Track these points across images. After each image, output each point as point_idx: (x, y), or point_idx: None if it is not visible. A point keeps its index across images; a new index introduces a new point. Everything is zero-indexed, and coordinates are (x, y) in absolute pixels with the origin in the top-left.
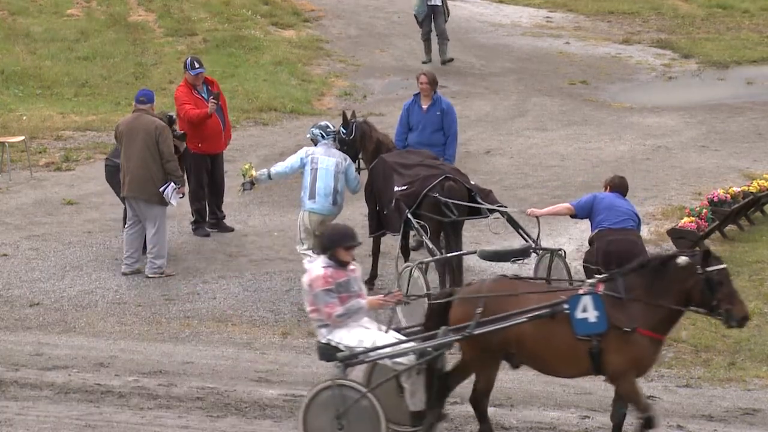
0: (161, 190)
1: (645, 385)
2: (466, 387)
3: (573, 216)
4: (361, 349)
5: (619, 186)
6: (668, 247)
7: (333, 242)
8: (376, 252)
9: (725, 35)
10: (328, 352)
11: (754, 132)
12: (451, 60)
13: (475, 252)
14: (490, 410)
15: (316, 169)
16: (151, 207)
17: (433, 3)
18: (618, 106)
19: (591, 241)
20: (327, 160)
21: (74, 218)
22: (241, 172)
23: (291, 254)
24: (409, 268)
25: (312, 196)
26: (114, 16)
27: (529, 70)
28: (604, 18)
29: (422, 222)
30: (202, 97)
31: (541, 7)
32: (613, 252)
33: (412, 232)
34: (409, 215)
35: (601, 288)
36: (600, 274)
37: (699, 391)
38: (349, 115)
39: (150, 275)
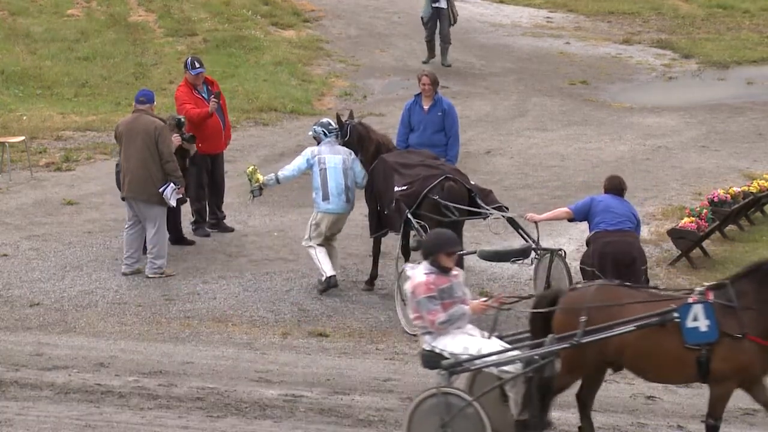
0: (161, 190)
1: (645, 385)
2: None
3: (571, 220)
4: (466, 356)
5: (614, 187)
6: (668, 247)
7: (435, 247)
8: (376, 252)
9: (725, 35)
10: (432, 359)
11: (754, 132)
12: (449, 65)
13: (475, 252)
14: None
15: (325, 168)
16: (151, 207)
17: (437, 6)
18: (618, 106)
19: (588, 243)
20: (333, 158)
21: (74, 218)
22: (247, 176)
23: (291, 254)
24: (409, 268)
25: (326, 197)
26: (114, 17)
27: (530, 70)
28: (604, 18)
29: (422, 222)
30: (203, 96)
31: (542, 8)
32: (609, 253)
33: (412, 232)
34: (409, 215)
35: (711, 296)
36: (596, 275)
37: (699, 391)
38: (345, 116)
39: (150, 275)
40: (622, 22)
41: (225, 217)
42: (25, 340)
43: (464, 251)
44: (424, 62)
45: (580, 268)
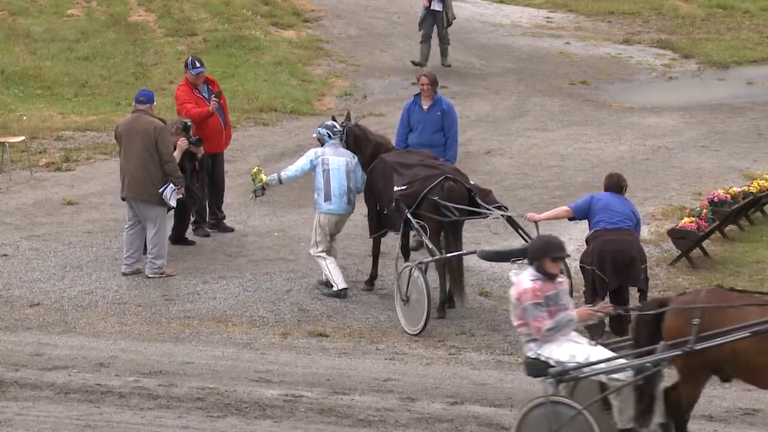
0: (160, 190)
1: None
2: (466, 388)
3: (571, 218)
4: (573, 364)
5: (614, 185)
6: (668, 247)
7: (540, 252)
8: (376, 252)
9: (725, 35)
10: (538, 367)
11: (754, 132)
12: (449, 66)
13: (475, 252)
14: (491, 410)
15: (328, 170)
16: (151, 208)
17: (433, 8)
18: (618, 106)
19: (587, 241)
20: (337, 159)
21: (74, 218)
22: (251, 176)
23: (291, 254)
24: (409, 268)
25: (327, 198)
26: (114, 17)
27: (530, 70)
28: (604, 18)
29: (422, 222)
30: (203, 96)
31: (542, 8)
32: (609, 252)
33: (412, 232)
34: (409, 215)
35: None
36: (596, 274)
37: None
38: (343, 117)
39: (150, 275)
40: (622, 22)
41: (225, 217)
42: (25, 340)
43: (464, 251)
44: (415, 63)
45: (580, 266)
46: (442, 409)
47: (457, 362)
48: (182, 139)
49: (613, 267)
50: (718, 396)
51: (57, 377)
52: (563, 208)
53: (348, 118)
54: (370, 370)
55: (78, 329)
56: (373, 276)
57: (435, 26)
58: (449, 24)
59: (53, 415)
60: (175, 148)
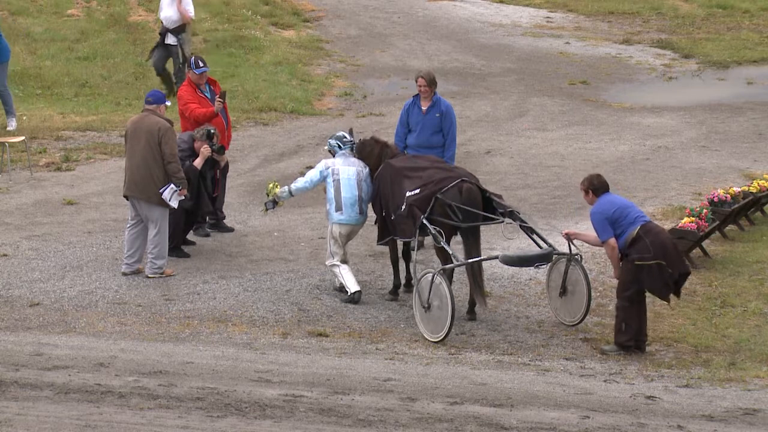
0: (161, 191)
1: (645, 386)
2: (466, 388)
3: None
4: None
5: (605, 185)
6: None
7: None
8: (394, 260)
9: (725, 35)
10: None
11: (754, 132)
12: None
13: (497, 257)
14: (491, 410)
15: (338, 180)
16: (153, 208)
17: (167, 42)
18: (618, 106)
19: (638, 238)
20: (347, 169)
21: (74, 218)
22: (266, 191)
23: (291, 254)
24: (431, 274)
25: (339, 208)
26: (114, 16)
27: (529, 70)
28: (604, 18)
29: (438, 228)
30: (206, 96)
31: (541, 8)
32: (668, 242)
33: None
34: (425, 221)
35: None
36: (661, 266)
37: (699, 391)
38: (358, 135)
39: (150, 275)
40: (622, 22)
41: (225, 217)
42: (25, 340)
43: (485, 257)
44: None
45: (638, 265)
46: (442, 409)
47: (457, 362)
48: (206, 146)
49: (675, 255)
50: (718, 396)
51: (57, 377)
52: (594, 236)
53: (390, 147)
54: (370, 370)
55: (78, 329)
56: (397, 285)
57: (168, 60)
58: (185, 61)
59: (53, 415)
60: (198, 155)
